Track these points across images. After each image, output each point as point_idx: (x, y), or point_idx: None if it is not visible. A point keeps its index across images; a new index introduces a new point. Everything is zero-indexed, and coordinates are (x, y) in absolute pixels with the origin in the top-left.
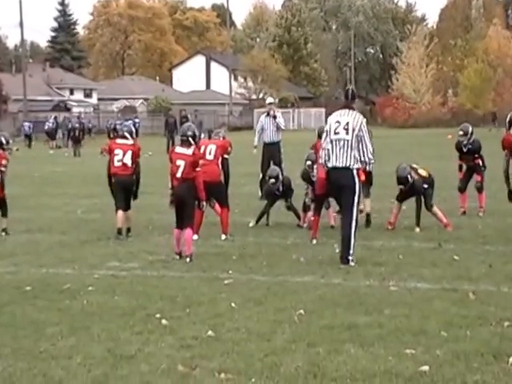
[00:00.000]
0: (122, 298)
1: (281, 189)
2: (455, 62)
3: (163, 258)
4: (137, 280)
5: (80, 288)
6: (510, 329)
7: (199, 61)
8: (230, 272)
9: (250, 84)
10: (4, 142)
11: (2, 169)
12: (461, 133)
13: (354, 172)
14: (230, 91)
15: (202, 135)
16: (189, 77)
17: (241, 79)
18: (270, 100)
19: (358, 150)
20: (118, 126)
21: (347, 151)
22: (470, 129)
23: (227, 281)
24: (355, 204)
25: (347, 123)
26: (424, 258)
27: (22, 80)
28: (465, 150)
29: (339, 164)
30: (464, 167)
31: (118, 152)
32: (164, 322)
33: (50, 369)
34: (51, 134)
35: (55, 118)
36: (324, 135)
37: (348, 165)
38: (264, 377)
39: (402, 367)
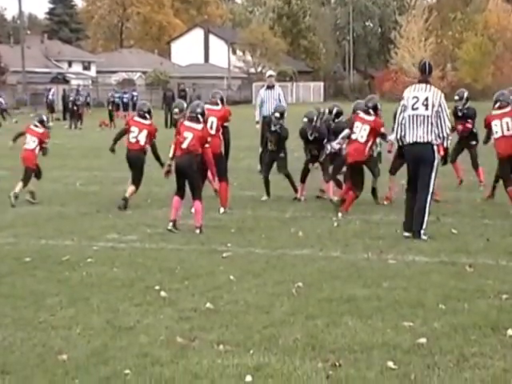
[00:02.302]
0: (121, 269)
1: (278, 130)
2: (454, 35)
3: (162, 231)
4: (136, 252)
5: (79, 259)
6: (508, 301)
7: (198, 34)
8: (229, 245)
9: (249, 58)
10: (45, 120)
11: (45, 145)
12: (456, 97)
13: (435, 147)
14: (229, 65)
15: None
16: (187, 50)
17: (239, 53)
18: (270, 73)
19: (437, 126)
20: (124, 100)
21: (427, 127)
22: (466, 94)
23: (226, 254)
24: (432, 179)
25: (426, 98)
26: None
27: (20, 52)
28: (460, 114)
29: (420, 139)
30: (457, 136)
31: (134, 129)
32: (163, 293)
33: (49, 339)
34: (52, 107)
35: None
36: (399, 110)
37: (429, 140)
38: (262, 349)
39: (400, 339)
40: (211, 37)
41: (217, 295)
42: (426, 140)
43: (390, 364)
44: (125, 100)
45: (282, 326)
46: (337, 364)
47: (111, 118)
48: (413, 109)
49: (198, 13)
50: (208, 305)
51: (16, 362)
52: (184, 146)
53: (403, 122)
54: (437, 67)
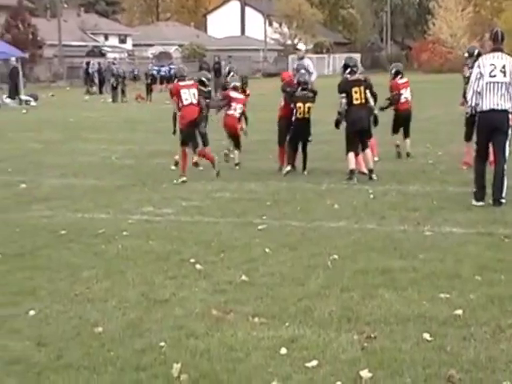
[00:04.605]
0: (157, 242)
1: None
2: (493, 4)
3: (197, 204)
4: (171, 225)
5: (115, 232)
6: None
7: (234, 6)
8: (264, 217)
9: (285, 29)
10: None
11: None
12: (466, 55)
13: (510, 115)
14: (265, 37)
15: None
16: (223, 22)
17: (276, 24)
18: (298, 46)
19: (510, 92)
20: (162, 73)
21: (504, 94)
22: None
23: (261, 226)
24: (507, 147)
25: (503, 66)
26: (459, 203)
27: (56, 25)
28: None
29: (497, 107)
30: None
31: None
32: (198, 266)
33: (85, 311)
34: (92, 80)
35: (88, 63)
36: (474, 77)
37: (507, 108)
38: (297, 321)
39: (436, 311)
40: (247, 9)
41: (252, 268)
42: (503, 107)
43: (426, 336)
44: (162, 73)
45: (317, 299)
46: (372, 336)
47: (148, 92)
48: (490, 76)
49: None
50: (243, 277)
51: (52, 334)
52: None
53: (479, 89)
54: (474, 37)
